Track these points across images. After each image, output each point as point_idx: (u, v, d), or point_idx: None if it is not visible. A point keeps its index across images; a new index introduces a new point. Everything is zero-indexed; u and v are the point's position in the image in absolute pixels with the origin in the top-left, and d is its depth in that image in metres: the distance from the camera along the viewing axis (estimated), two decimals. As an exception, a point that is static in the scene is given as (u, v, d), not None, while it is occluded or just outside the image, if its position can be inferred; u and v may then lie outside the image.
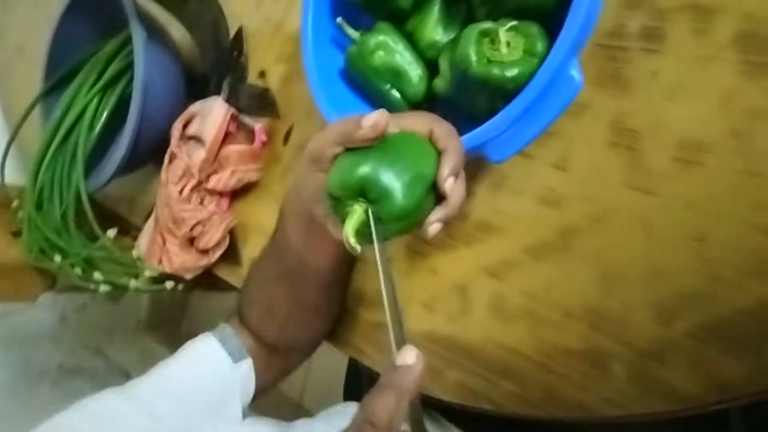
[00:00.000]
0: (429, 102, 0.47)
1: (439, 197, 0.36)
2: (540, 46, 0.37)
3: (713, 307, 0.38)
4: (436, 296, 0.51)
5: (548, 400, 0.44)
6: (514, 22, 0.37)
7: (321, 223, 0.41)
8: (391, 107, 0.48)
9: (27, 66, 1.03)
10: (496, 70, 0.37)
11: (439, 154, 0.37)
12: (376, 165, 0.34)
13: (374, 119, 0.34)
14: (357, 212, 0.34)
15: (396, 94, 0.47)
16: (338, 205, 0.35)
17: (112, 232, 0.65)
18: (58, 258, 0.65)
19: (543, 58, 0.36)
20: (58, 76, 0.80)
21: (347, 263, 0.52)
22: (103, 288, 0.66)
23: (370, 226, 0.34)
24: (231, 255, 0.69)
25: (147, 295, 1.59)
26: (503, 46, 0.37)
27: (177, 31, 0.74)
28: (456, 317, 0.50)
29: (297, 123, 0.64)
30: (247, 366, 0.52)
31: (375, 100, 0.48)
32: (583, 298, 0.43)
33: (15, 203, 0.77)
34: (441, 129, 0.37)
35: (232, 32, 0.70)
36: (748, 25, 0.38)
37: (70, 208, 0.70)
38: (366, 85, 0.48)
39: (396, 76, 0.47)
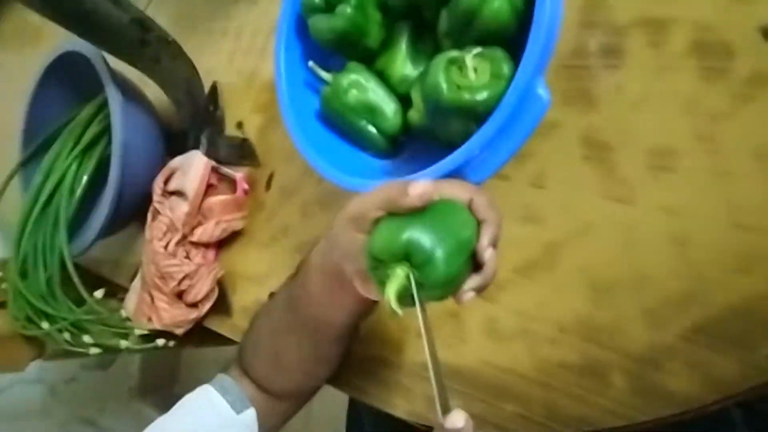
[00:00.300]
0: (405, 134, 0.49)
1: (476, 265, 0.37)
2: (506, 69, 0.38)
3: (702, 308, 0.39)
4: (433, 325, 0.51)
5: (551, 418, 0.44)
6: (479, 49, 0.39)
7: (348, 279, 0.41)
8: (369, 143, 0.49)
9: (3, 140, 1.03)
10: (466, 95, 0.38)
11: (479, 223, 0.37)
12: (422, 231, 0.34)
13: (422, 189, 0.35)
14: (400, 276, 0.34)
15: (373, 129, 0.48)
16: (379, 267, 0.35)
17: (99, 293, 0.65)
18: (45, 325, 0.64)
19: (510, 80, 0.37)
20: (36, 145, 0.81)
21: (362, 318, 0.52)
22: (94, 351, 0.64)
23: (408, 290, 0.34)
24: (220, 306, 0.68)
25: (137, 361, 1.56)
26: (471, 72, 0.39)
27: (152, 90, 0.75)
28: (451, 344, 0.50)
29: (277, 169, 0.65)
30: (249, 416, 0.51)
31: (353, 137, 0.50)
32: (574, 311, 0.44)
33: (-1, 275, 0.76)
34: (481, 199, 0.38)
35: (207, 87, 0.72)
36: (701, 34, 0.40)
37: (55, 275, 0.69)
38: (343, 124, 0.49)
39: (371, 112, 0.48)
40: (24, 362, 0.68)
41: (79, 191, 0.73)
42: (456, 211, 0.37)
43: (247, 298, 0.66)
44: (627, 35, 0.43)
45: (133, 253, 0.80)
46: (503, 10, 0.38)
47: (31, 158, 0.80)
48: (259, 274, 0.65)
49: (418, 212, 0.35)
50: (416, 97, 0.45)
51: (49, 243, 0.71)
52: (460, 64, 0.39)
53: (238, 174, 0.66)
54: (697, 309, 0.39)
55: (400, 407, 0.52)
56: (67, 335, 0.65)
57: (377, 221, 0.37)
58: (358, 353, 0.56)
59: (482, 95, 0.38)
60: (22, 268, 0.70)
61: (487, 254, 0.36)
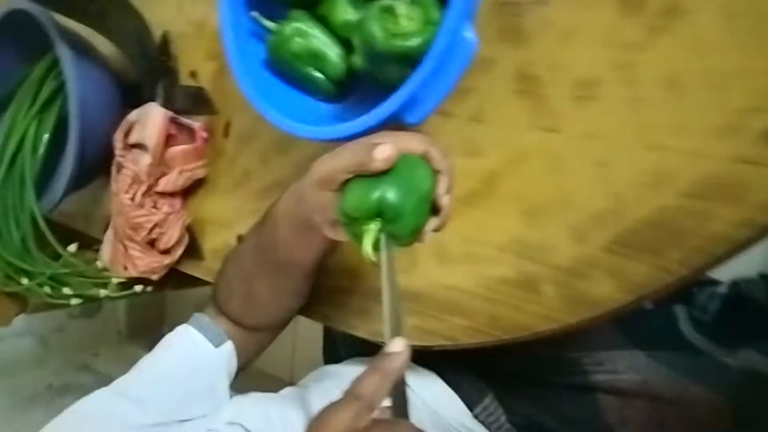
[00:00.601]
0: (351, 78, 0.51)
1: (434, 209, 0.42)
2: (436, 15, 0.41)
3: (619, 221, 0.44)
4: (386, 254, 0.55)
5: (494, 326, 0.50)
6: (410, -5, 0.41)
7: (316, 226, 0.45)
8: (316, 88, 0.52)
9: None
10: (399, 42, 0.41)
11: (435, 172, 0.42)
12: (390, 190, 0.38)
13: (387, 153, 0.39)
14: (374, 231, 0.39)
15: (319, 75, 0.51)
16: (353, 223, 0.40)
17: (72, 247, 0.67)
18: (25, 281, 0.67)
19: (440, 25, 0.40)
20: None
21: (327, 253, 0.56)
22: (75, 301, 0.68)
23: (382, 240, 0.39)
24: (192, 250, 0.72)
25: (122, 306, 1.61)
26: (403, 19, 0.41)
27: (103, 45, 0.75)
28: (407, 270, 0.54)
29: (234, 116, 0.67)
30: (227, 348, 0.56)
31: (300, 83, 0.52)
32: (510, 232, 0.49)
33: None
34: (435, 150, 0.42)
35: (157, 38, 0.72)
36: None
37: (28, 232, 0.72)
38: (290, 71, 0.51)
39: (316, 58, 0.50)
40: (9, 317, 0.72)
41: (41, 149, 0.75)
42: (417, 166, 0.41)
43: (216, 241, 0.70)
44: (553, -29, 0.46)
45: (103, 204, 0.82)
46: (429, -43, 0.40)
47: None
48: (225, 219, 0.69)
49: (384, 171, 0.39)
50: (357, 42, 0.47)
51: (19, 202, 0.73)
52: (392, 13, 0.42)
53: (196, 123, 0.68)
54: (614, 223, 0.44)
55: (361, 328, 0.58)
56: (47, 289, 0.68)
57: (346, 182, 0.41)
58: (323, 284, 0.60)
59: (414, 41, 0.40)
60: (-5, 228, 0.72)
61: (445, 200, 0.42)
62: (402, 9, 0.41)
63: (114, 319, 1.57)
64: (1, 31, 0.76)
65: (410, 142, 0.41)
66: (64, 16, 0.65)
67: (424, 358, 0.60)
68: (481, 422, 0.57)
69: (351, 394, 0.33)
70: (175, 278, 0.76)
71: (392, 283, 0.39)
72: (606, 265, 0.44)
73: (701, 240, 0.40)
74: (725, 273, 0.85)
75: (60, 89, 0.76)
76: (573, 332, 0.47)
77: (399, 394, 0.35)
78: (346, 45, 0.51)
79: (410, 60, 0.41)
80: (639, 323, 0.73)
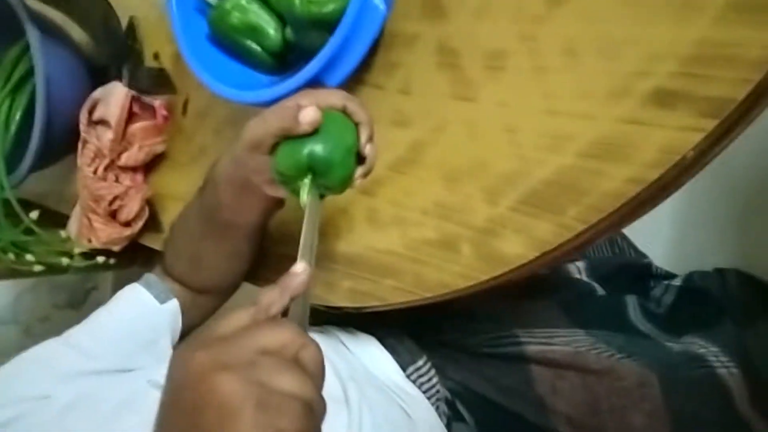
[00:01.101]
0: (287, 50, 0.55)
1: (360, 158, 0.46)
2: (349, -16, 0.44)
3: (525, 182, 0.47)
4: (326, 221, 0.59)
5: (418, 286, 0.53)
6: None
7: (256, 186, 0.48)
8: (257, 60, 0.55)
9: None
10: (314, 8, 0.44)
11: (356, 124, 0.46)
12: (318, 146, 0.42)
13: (311, 116, 0.42)
14: (308, 184, 0.43)
15: (257, 47, 0.54)
16: (288, 180, 0.44)
17: (34, 214, 0.71)
18: (-9, 248, 0.71)
19: (352, -6, 0.44)
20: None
21: (269, 215, 0.59)
22: (38, 268, 0.71)
23: (316, 195, 0.43)
24: (153, 224, 0.75)
25: (108, 299, 1.64)
26: (319, -12, 0.45)
27: (73, 28, 0.79)
28: (342, 235, 0.57)
29: (192, 94, 0.71)
30: (173, 305, 0.59)
31: (242, 56, 0.55)
32: (433, 197, 0.52)
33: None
34: (353, 104, 0.46)
35: (124, 22, 0.76)
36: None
37: (-2, 204, 0.75)
38: (231, 44, 0.55)
39: (254, 31, 0.54)
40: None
41: (13, 127, 0.78)
42: (338, 120, 0.45)
43: (175, 215, 0.73)
44: (467, -48, 0.49)
45: (74, 183, 0.85)
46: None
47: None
48: (183, 193, 0.72)
49: None
50: (285, 17, 0.50)
51: (-10, 176, 0.76)
52: (310, -18, 0.45)
53: (157, 101, 0.72)
54: (521, 185, 0.47)
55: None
56: (11, 256, 0.71)
57: (276, 144, 0.44)
58: (269, 250, 0.63)
59: (328, 7, 0.44)
60: (-35, 199, 0.76)
61: (368, 149, 0.46)
62: (318, -21, 0.45)
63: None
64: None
65: (329, 98, 0.45)
66: (37, 1, 0.68)
67: (365, 324, 0.63)
68: (413, 382, 0.60)
69: (252, 304, 0.35)
70: (143, 254, 0.80)
71: (314, 224, 0.42)
72: (514, 224, 0.47)
73: (596, 197, 0.43)
74: (681, 268, 0.88)
75: (32, 71, 0.79)
76: (489, 290, 0.50)
77: (297, 311, 0.37)
78: (282, 20, 0.54)
79: (328, 26, 0.44)
80: (586, 307, 0.76)
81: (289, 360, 0.31)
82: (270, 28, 0.53)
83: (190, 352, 0.30)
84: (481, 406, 0.62)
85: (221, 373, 0.29)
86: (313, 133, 0.43)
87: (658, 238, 1.07)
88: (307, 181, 0.43)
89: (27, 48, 0.80)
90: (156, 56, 0.74)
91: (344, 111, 0.46)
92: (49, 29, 0.73)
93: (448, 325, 0.67)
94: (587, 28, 0.43)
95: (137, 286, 0.58)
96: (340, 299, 0.58)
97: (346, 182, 0.45)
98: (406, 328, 0.64)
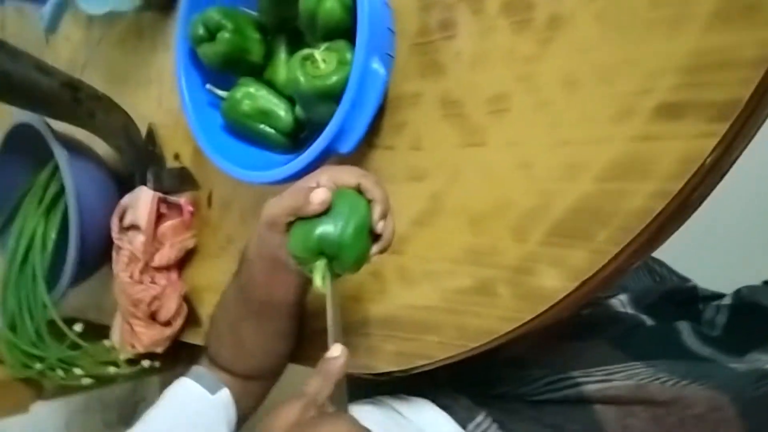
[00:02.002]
0: (299, 129, 0.57)
1: (375, 235, 0.46)
2: (348, 56, 0.47)
3: (549, 215, 0.47)
4: (357, 287, 0.59)
5: (462, 337, 0.52)
6: (326, 44, 0.48)
7: (284, 261, 0.49)
8: (271, 142, 0.57)
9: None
10: (319, 82, 0.46)
11: (369, 201, 0.46)
12: (328, 228, 0.43)
13: (322, 197, 0.43)
14: (320, 268, 0.43)
15: (270, 130, 0.57)
16: (302, 262, 0.44)
17: (78, 327, 0.72)
18: (38, 365, 0.72)
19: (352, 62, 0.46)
20: (6, 216, 0.89)
21: (305, 291, 0.59)
22: (86, 381, 0.72)
23: (331, 272, 0.44)
24: (192, 320, 0.76)
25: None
26: (321, 63, 0.47)
27: (96, 143, 0.83)
28: (376, 298, 0.57)
29: (215, 187, 0.73)
30: (224, 395, 0.59)
31: (256, 140, 0.58)
32: (461, 244, 0.52)
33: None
34: (367, 181, 0.46)
35: (143, 129, 0.80)
36: (505, -5, 0.48)
37: (41, 323, 0.77)
38: (245, 130, 0.58)
39: (266, 115, 0.56)
40: (26, 404, 0.76)
41: (50, 245, 0.82)
42: (350, 199, 0.45)
43: (211, 306, 0.74)
44: (455, 9, 0.52)
45: (111, 293, 0.87)
46: (335, 8, 0.47)
47: (3, 228, 0.88)
48: (217, 283, 0.73)
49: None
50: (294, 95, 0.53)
51: (32, 296, 0.79)
52: (312, 59, 0.48)
53: (182, 199, 0.74)
54: (546, 217, 0.47)
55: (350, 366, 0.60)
56: (60, 372, 0.72)
57: (290, 224, 0.45)
58: (308, 328, 0.63)
59: (332, 79, 0.46)
60: (11, 323, 0.78)
61: (380, 226, 0.46)
62: (319, 55, 0.47)
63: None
64: (10, 146, 0.85)
65: (343, 177, 0.46)
66: (58, 120, 0.73)
67: (415, 387, 0.62)
68: (476, 439, 0.58)
69: (298, 394, 0.36)
70: (186, 354, 0.80)
71: (335, 305, 0.43)
72: (547, 258, 0.47)
73: (624, 218, 0.43)
74: (728, 286, 0.86)
75: (63, 190, 0.83)
76: (536, 334, 0.49)
77: (339, 395, 0.37)
78: (291, 101, 0.57)
79: (334, 97, 0.46)
80: (638, 339, 0.74)
81: None
82: (280, 110, 0.56)
83: None
84: (550, 456, 0.59)
85: None
86: (326, 213, 0.43)
87: (698, 260, 1.04)
88: (319, 263, 0.43)
89: (55, 169, 0.85)
90: (176, 156, 0.77)
91: (358, 189, 0.46)
92: (74, 147, 0.77)
93: (499, 377, 0.65)
94: (581, 58, 0.45)
95: (186, 379, 0.58)
96: (385, 364, 0.57)
97: (359, 262, 0.45)
98: (457, 386, 0.62)
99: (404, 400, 0.61)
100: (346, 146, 0.47)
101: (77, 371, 0.72)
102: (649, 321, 0.80)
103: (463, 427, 0.58)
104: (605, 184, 0.44)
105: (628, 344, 0.69)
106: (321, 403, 0.35)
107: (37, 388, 0.77)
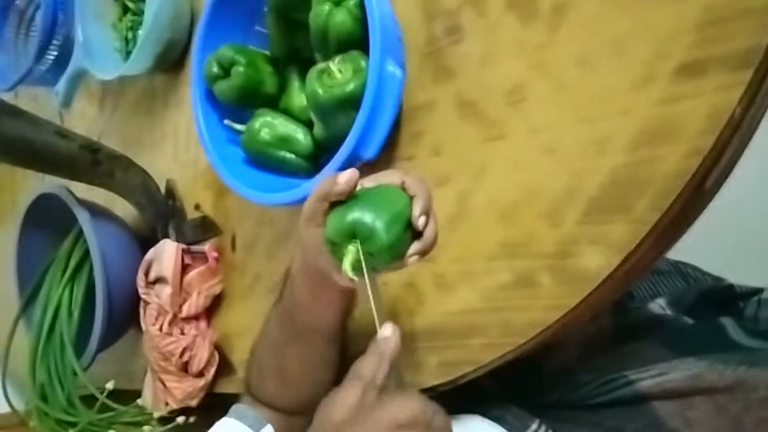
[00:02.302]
0: (319, 152, 0.57)
1: (418, 234, 0.44)
2: (363, 63, 0.48)
3: (582, 194, 0.46)
4: (394, 301, 0.57)
5: (508, 334, 0.50)
6: (340, 56, 0.49)
7: (327, 274, 0.47)
8: (293, 168, 0.58)
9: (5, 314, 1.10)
10: (337, 91, 0.47)
11: (412, 198, 0.45)
12: (362, 211, 0.41)
13: (347, 176, 0.42)
14: (351, 251, 0.41)
15: (291, 155, 0.57)
16: (336, 249, 0.43)
17: (110, 385, 0.70)
18: (71, 431, 0.70)
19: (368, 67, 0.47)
20: (30, 290, 0.88)
21: (348, 314, 0.57)
22: (121, 442, 0.69)
23: (361, 267, 0.41)
24: (224, 369, 0.74)
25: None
26: (337, 74, 0.48)
27: (119, 207, 0.84)
28: (415, 310, 0.56)
29: (237, 230, 0.73)
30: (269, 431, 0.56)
31: (277, 167, 0.58)
32: (495, 240, 0.51)
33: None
34: (411, 179, 0.46)
35: (162, 186, 0.81)
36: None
37: (72, 390, 0.75)
38: (265, 159, 0.58)
39: (285, 141, 0.57)
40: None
41: (76, 313, 0.81)
42: (388, 190, 0.45)
43: (244, 351, 0.72)
44: (460, 14, 0.53)
45: (139, 358, 0.86)
46: (345, 20, 0.48)
47: (29, 301, 0.87)
48: (247, 325, 0.72)
49: (358, 197, 0.43)
50: (311, 114, 0.54)
51: (61, 364, 0.77)
52: (328, 71, 0.49)
53: (206, 246, 0.74)
54: (579, 198, 0.46)
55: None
56: (94, 436, 0.70)
57: (326, 213, 0.44)
58: (350, 353, 0.61)
59: (349, 87, 0.47)
60: (42, 393, 0.76)
61: (420, 221, 0.44)
62: (334, 66, 0.48)
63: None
64: (32, 219, 0.86)
65: (386, 175, 0.45)
66: (79, 181, 0.74)
67: (463, 405, 0.59)
68: (532, 447, 0.54)
69: (353, 377, 0.34)
70: (220, 407, 0.77)
71: (376, 291, 0.41)
72: (586, 237, 0.46)
73: (661, 182, 0.42)
74: (763, 280, 0.83)
75: (87, 255, 0.83)
76: (583, 320, 0.48)
77: (396, 374, 0.36)
78: (309, 126, 0.57)
79: (352, 104, 0.47)
80: (684, 337, 0.71)
81: (426, 429, 0.31)
82: (298, 134, 0.57)
83: None
84: (615, 459, 0.55)
85: None
86: (361, 198, 0.43)
87: (728, 259, 1.02)
88: (351, 247, 0.41)
89: (77, 237, 0.85)
90: (197, 207, 0.78)
91: (402, 187, 0.45)
92: (95, 211, 0.78)
93: (549, 387, 0.62)
94: (592, 36, 0.45)
95: (228, 419, 0.56)
96: (430, 377, 0.55)
97: (393, 251, 0.43)
98: (507, 398, 0.60)
99: (453, 419, 0.58)
100: (369, 150, 0.47)
101: (112, 433, 0.70)
102: (690, 322, 0.77)
103: None
104: (636, 153, 0.43)
105: (676, 343, 0.67)
106: (381, 384, 0.33)
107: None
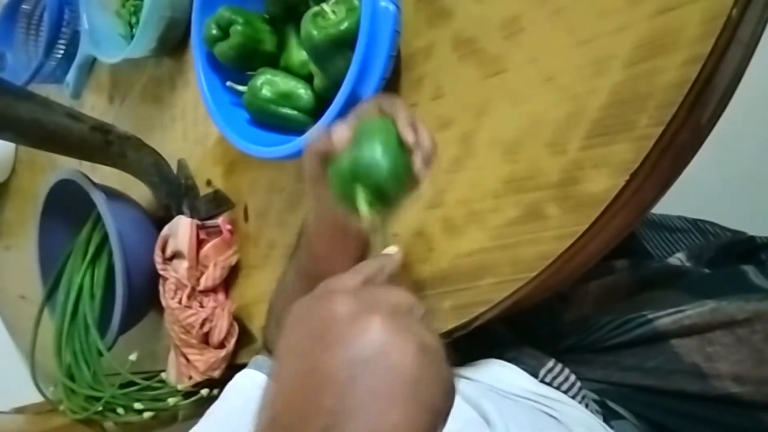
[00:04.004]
0: (321, 105, 0.58)
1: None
2: (356, 2, 0.48)
3: (584, 118, 0.45)
4: (406, 250, 0.57)
5: (519, 270, 0.49)
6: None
7: (344, 225, 0.46)
8: (296, 123, 0.58)
9: (31, 310, 1.13)
10: (332, 30, 0.48)
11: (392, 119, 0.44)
12: (352, 154, 0.41)
13: (340, 130, 0.43)
14: (361, 193, 0.41)
15: (293, 111, 0.57)
16: (347, 198, 0.42)
17: (133, 356, 0.71)
18: (98, 406, 0.71)
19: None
20: (53, 278, 0.90)
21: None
22: (147, 414, 0.70)
23: (378, 204, 0.41)
24: (245, 339, 0.75)
25: None
26: (331, 15, 0.49)
27: (134, 190, 0.85)
28: (425, 258, 0.56)
29: (249, 199, 0.74)
30: None
31: (280, 125, 0.59)
32: (499, 176, 0.50)
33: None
34: (384, 100, 0.45)
35: (173, 164, 0.82)
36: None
37: (97, 368, 0.76)
38: (268, 118, 0.59)
39: (287, 97, 0.57)
40: (90, 450, 0.74)
41: (98, 294, 0.82)
42: (371, 123, 0.43)
43: (263, 318, 0.73)
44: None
45: (162, 337, 0.87)
46: (337, -37, 0.48)
47: (53, 289, 0.89)
48: (265, 293, 0.72)
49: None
50: (310, 64, 0.54)
51: (86, 344, 0.79)
52: (322, 14, 0.49)
53: (220, 219, 0.75)
54: (581, 122, 0.46)
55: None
56: (120, 409, 0.71)
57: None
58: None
59: (344, 25, 0.47)
60: (68, 372, 0.78)
61: (410, 136, 0.43)
62: (328, 8, 0.49)
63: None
64: (52, 204, 0.87)
65: (363, 109, 0.45)
66: (92, 162, 0.76)
67: (478, 353, 0.59)
68: (549, 384, 0.54)
69: (352, 271, 0.33)
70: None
71: (388, 237, 0.41)
72: (590, 161, 0.45)
73: (661, 95, 0.42)
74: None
75: (106, 239, 0.85)
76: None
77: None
78: (309, 81, 0.58)
79: (348, 43, 0.47)
80: (704, 283, 0.69)
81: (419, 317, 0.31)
82: (299, 89, 0.57)
83: (326, 300, 0.29)
84: (634, 396, 0.55)
85: (373, 317, 0.28)
86: (352, 146, 0.42)
87: (747, 213, 1.00)
88: (359, 191, 0.41)
89: (96, 222, 0.87)
90: (209, 183, 0.79)
91: (380, 112, 0.45)
92: (111, 194, 0.79)
93: (565, 332, 0.62)
94: (583, -43, 0.45)
95: (249, 371, 0.56)
96: (445, 322, 0.54)
97: (398, 176, 0.41)
98: (522, 343, 0.59)
99: (468, 366, 0.58)
100: (368, 87, 0.47)
101: (137, 405, 0.71)
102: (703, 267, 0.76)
103: (535, 375, 0.55)
104: (634, 68, 0.43)
105: (695, 288, 0.65)
106: (378, 282, 0.33)
107: (100, 430, 0.75)
